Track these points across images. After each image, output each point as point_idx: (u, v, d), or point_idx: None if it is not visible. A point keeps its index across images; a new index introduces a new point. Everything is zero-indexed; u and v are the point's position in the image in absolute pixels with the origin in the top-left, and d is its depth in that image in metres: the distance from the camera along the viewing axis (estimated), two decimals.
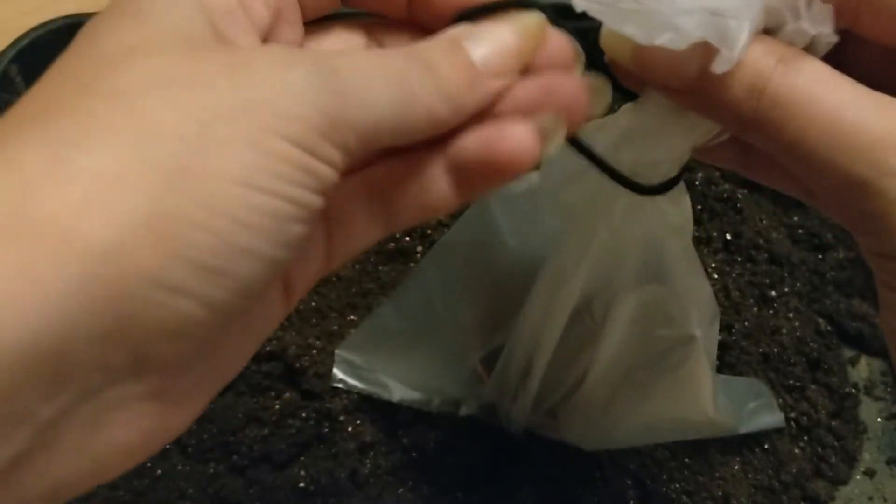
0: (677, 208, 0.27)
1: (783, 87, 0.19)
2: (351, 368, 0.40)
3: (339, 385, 0.40)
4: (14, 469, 0.15)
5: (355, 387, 0.40)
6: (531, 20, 0.22)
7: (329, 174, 0.18)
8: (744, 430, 0.40)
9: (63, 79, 0.18)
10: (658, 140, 0.23)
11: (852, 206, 0.19)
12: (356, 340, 0.40)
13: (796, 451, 0.41)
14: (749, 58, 0.19)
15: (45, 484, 0.16)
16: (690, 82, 0.20)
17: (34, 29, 0.48)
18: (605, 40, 0.22)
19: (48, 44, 0.48)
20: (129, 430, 0.17)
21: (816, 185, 0.20)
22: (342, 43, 0.24)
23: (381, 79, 0.19)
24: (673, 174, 0.25)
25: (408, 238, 0.47)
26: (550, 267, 0.31)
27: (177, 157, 0.16)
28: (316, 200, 0.18)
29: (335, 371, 0.40)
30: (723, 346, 0.43)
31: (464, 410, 0.40)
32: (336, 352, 0.40)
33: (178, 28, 0.18)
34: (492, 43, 0.21)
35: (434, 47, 0.21)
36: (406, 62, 0.20)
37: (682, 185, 0.26)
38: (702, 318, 0.31)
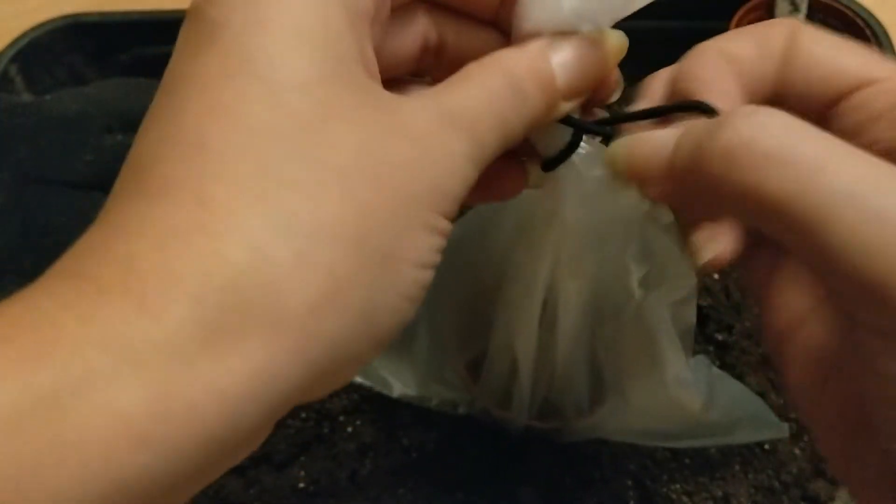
0: (627, 192, 0.27)
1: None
2: None
3: None
4: None
5: (354, 381, 0.40)
6: (619, 41, 0.22)
7: (451, 224, 0.20)
8: (741, 439, 0.40)
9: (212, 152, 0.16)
10: None
11: (873, 311, 0.16)
12: None
13: (796, 451, 0.41)
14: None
15: None
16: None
17: (34, 29, 0.48)
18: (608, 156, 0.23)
19: (48, 44, 0.48)
20: None
21: (834, 286, 0.17)
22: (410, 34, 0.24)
23: (493, 121, 0.20)
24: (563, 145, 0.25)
25: None
26: (511, 269, 0.31)
27: (385, 248, 0.17)
28: (441, 255, 0.19)
29: None
30: (723, 346, 0.43)
31: (462, 409, 0.40)
32: None
33: (321, 55, 0.17)
34: (578, 61, 0.22)
35: (522, 61, 0.21)
36: (501, 87, 0.20)
37: None
38: (666, 285, 0.31)
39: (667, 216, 0.29)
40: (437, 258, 0.19)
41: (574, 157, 0.25)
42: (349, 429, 0.40)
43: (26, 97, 0.47)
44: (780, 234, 0.17)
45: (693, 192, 0.20)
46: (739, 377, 0.42)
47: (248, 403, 0.15)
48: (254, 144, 0.16)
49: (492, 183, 0.24)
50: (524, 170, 0.26)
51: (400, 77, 0.25)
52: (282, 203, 0.16)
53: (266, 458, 0.39)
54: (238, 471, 0.39)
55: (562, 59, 0.21)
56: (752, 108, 0.18)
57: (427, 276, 0.18)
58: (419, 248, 0.18)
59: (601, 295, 0.31)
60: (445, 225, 0.19)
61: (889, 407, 0.18)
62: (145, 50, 0.50)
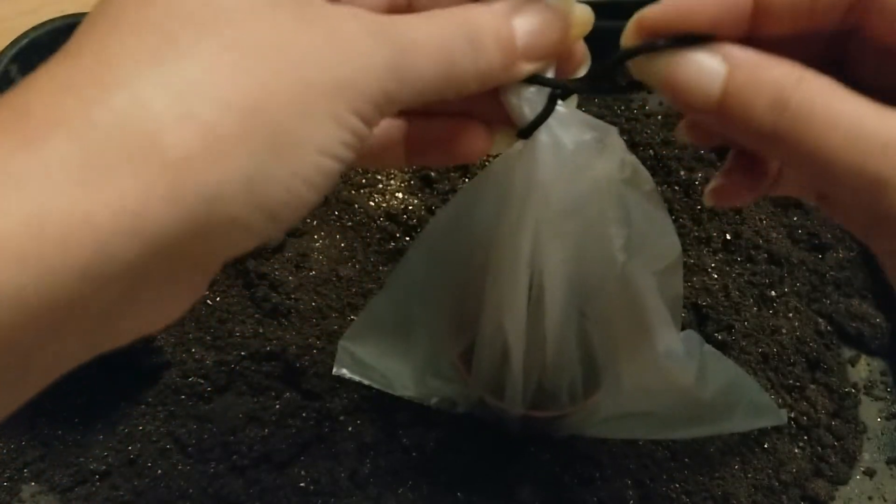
0: (605, 158, 0.27)
1: (805, 101, 0.20)
2: (352, 360, 0.40)
3: (342, 374, 0.40)
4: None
5: (355, 379, 0.40)
6: (583, 14, 0.23)
7: (369, 134, 0.21)
8: (740, 427, 0.40)
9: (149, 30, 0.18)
10: None
11: (869, 206, 0.20)
12: (355, 331, 0.40)
13: (796, 450, 0.41)
14: (770, 76, 0.20)
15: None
16: (715, 103, 0.21)
17: (34, 29, 0.48)
18: (635, 66, 0.23)
19: (48, 44, 0.48)
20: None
21: (834, 190, 0.21)
22: None
23: (434, 52, 0.21)
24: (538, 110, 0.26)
25: (408, 238, 0.47)
26: (494, 247, 0.31)
27: (278, 125, 0.18)
28: (353, 156, 0.20)
29: (336, 367, 0.40)
30: (723, 346, 0.43)
31: (461, 407, 0.40)
32: (340, 343, 0.40)
33: None
34: (540, 26, 0.23)
35: (484, 16, 0.22)
36: (454, 31, 0.21)
37: (612, 134, 0.27)
38: (649, 251, 0.31)
39: (648, 183, 0.29)
40: (344, 152, 0.20)
41: (550, 120, 0.25)
42: (349, 428, 0.40)
43: None
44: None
45: (737, 130, 0.21)
46: None
47: (119, 237, 0.16)
48: (166, 24, 0.18)
49: (453, 143, 0.27)
50: (488, 133, 0.27)
51: None
52: (175, 68, 0.17)
53: (266, 457, 0.39)
54: (238, 470, 0.39)
55: (525, 22, 0.23)
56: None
57: (330, 165, 0.19)
58: (321, 136, 0.19)
59: (585, 263, 0.31)
60: (356, 123, 0.20)
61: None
62: None
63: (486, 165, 0.49)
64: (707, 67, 0.21)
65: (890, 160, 0.19)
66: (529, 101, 0.25)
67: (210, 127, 0.17)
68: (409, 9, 0.25)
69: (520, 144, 0.27)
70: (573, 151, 0.26)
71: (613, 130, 0.27)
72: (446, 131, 0.27)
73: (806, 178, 0.21)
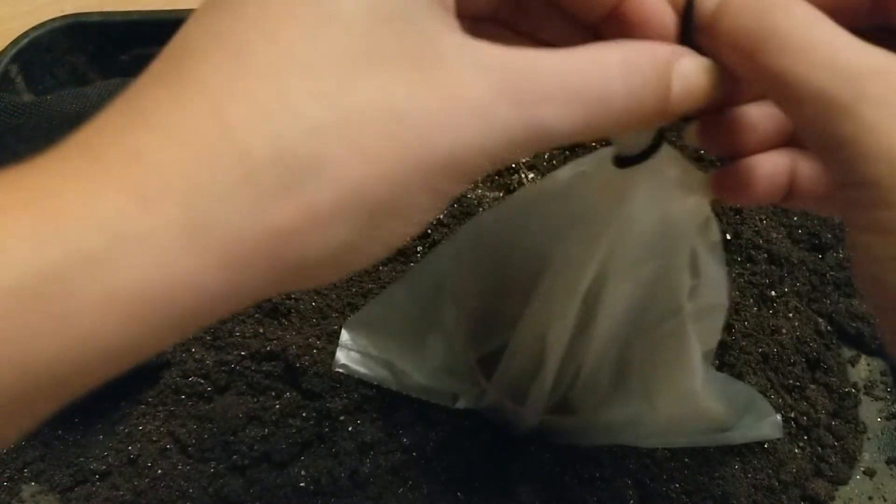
0: (690, 203, 0.27)
1: (786, 20, 0.20)
2: (356, 349, 0.40)
3: (341, 370, 0.40)
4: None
5: (357, 371, 0.40)
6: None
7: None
8: (741, 439, 0.40)
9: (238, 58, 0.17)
10: None
11: (829, 131, 0.20)
12: (365, 317, 0.40)
13: (796, 450, 0.41)
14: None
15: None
16: (709, 16, 0.22)
17: (34, 29, 0.48)
18: None
19: (48, 44, 0.48)
20: None
21: (798, 113, 0.21)
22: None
23: (563, 94, 0.18)
24: (645, 145, 0.25)
25: (407, 238, 0.47)
26: (558, 261, 0.31)
27: (377, 200, 0.17)
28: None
29: (338, 355, 0.40)
30: (723, 346, 0.43)
31: (461, 404, 0.40)
32: (343, 329, 0.40)
33: None
34: (697, 82, 0.22)
35: (645, 63, 0.20)
36: (617, 64, 0.19)
37: (701, 180, 0.27)
38: (702, 301, 0.31)
39: (715, 235, 0.29)
40: (430, 217, 0.19)
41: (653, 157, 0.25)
42: (350, 428, 0.40)
43: (27, 97, 0.47)
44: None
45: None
46: (739, 377, 0.42)
47: (219, 303, 0.17)
48: (285, 69, 0.17)
49: None
50: None
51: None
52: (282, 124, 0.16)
53: (266, 457, 0.39)
54: (239, 470, 0.39)
55: (682, 58, 0.21)
56: None
57: (412, 231, 0.19)
58: (416, 209, 0.18)
59: (649, 302, 0.31)
60: (457, 190, 0.19)
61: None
62: (145, 50, 0.50)
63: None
64: None
65: (855, 87, 0.19)
66: (639, 133, 0.24)
67: (315, 201, 0.17)
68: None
69: (593, 163, 0.27)
70: (667, 192, 0.26)
71: (702, 177, 0.27)
72: None
73: (773, 100, 0.22)
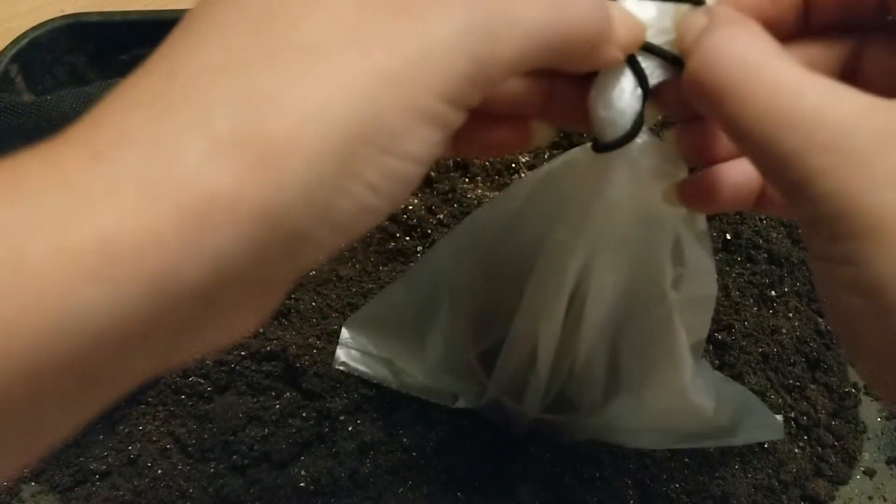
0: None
1: (736, 68, 0.20)
2: (356, 347, 0.40)
3: (341, 368, 0.40)
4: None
5: (356, 369, 0.40)
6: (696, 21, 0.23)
7: (461, 118, 0.18)
8: (742, 442, 0.40)
9: (239, 32, 0.17)
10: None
11: (781, 176, 0.20)
12: (365, 315, 0.40)
13: (796, 450, 0.41)
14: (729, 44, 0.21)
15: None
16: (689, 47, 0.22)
17: (34, 29, 0.48)
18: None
19: (48, 44, 0.48)
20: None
21: (751, 158, 0.21)
22: None
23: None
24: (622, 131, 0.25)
25: (408, 238, 0.47)
26: (546, 250, 0.31)
27: (353, 124, 0.16)
28: (440, 152, 0.18)
29: (338, 353, 0.40)
30: (723, 346, 0.43)
31: (460, 403, 0.40)
32: (343, 327, 0.40)
33: None
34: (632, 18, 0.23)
35: None
36: None
37: (684, 170, 0.27)
38: (689, 291, 0.31)
39: (702, 224, 0.29)
40: (424, 150, 0.18)
41: (631, 143, 0.25)
42: (350, 428, 0.40)
43: (27, 97, 0.47)
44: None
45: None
46: (739, 377, 0.42)
47: (186, 258, 0.16)
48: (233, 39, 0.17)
49: (489, 133, 0.25)
50: (527, 128, 0.26)
51: None
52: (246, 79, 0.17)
53: (266, 457, 0.39)
54: (239, 470, 0.39)
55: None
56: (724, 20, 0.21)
57: (404, 169, 0.18)
58: (391, 135, 0.17)
59: (633, 291, 0.31)
60: (442, 109, 0.18)
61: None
62: (145, 50, 0.50)
63: (512, 167, 0.49)
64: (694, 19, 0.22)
65: (799, 135, 0.19)
66: (618, 116, 0.24)
67: (271, 130, 0.16)
68: None
69: (578, 151, 0.27)
70: (646, 179, 0.26)
71: (685, 167, 0.27)
72: (485, 124, 0.25)
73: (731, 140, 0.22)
